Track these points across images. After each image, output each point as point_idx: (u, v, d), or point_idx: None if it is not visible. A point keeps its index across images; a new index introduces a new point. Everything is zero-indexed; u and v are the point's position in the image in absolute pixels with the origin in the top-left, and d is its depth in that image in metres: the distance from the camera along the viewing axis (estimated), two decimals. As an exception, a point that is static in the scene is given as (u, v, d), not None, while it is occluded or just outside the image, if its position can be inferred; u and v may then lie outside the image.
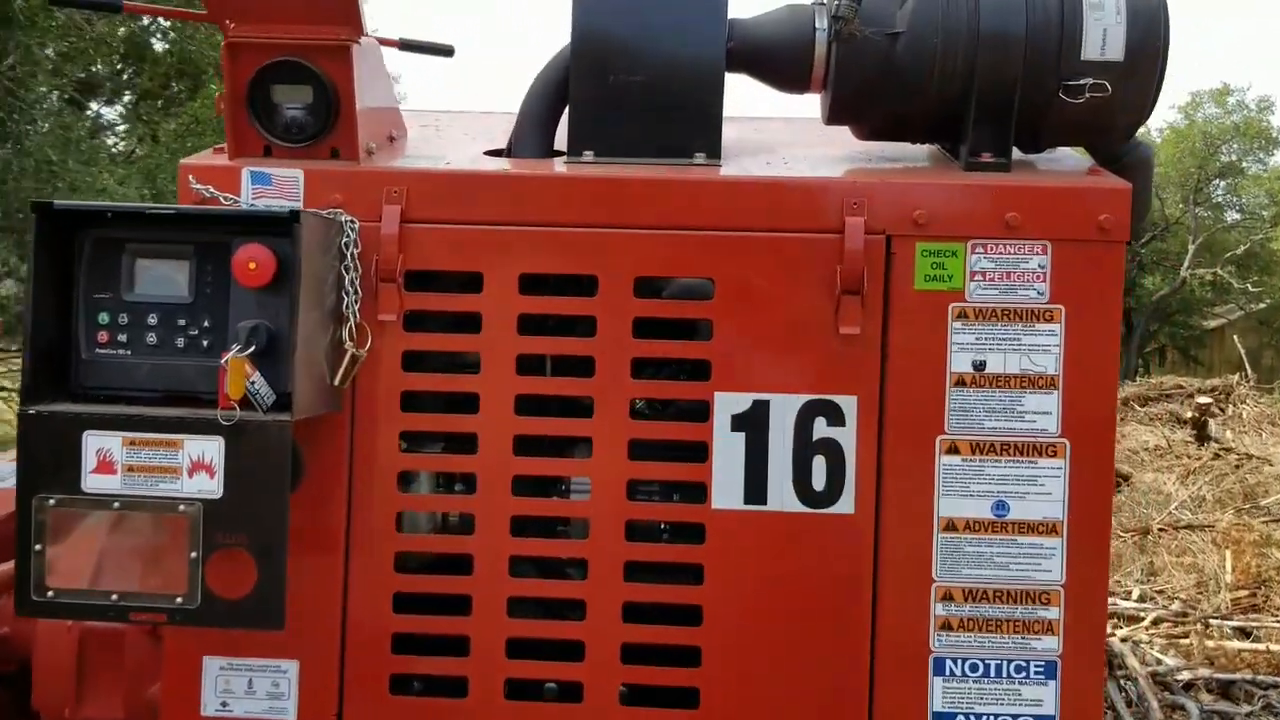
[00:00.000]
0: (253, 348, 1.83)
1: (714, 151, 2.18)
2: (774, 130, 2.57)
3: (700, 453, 2.05)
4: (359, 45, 2.08)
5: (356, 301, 2.04)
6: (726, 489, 2.04)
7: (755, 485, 2.04)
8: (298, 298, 1.84)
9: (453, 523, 2.20)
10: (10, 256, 10.36)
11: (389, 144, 2.30)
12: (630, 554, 2.06)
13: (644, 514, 2.08)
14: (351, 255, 2.03)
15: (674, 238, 2.06)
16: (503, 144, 2.37)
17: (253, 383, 1.82)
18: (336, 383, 2.01)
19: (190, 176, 2.09)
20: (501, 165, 2.17)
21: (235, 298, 1.91)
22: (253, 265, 1.85)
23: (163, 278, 1.94)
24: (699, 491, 2.05)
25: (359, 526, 2.09)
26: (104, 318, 1.93)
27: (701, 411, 2.05)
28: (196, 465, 1.83)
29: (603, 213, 2.07)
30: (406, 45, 3.85)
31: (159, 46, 11.62)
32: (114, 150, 11.72)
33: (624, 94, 2.18)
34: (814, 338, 2.03)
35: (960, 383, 2.03)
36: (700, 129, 2.17)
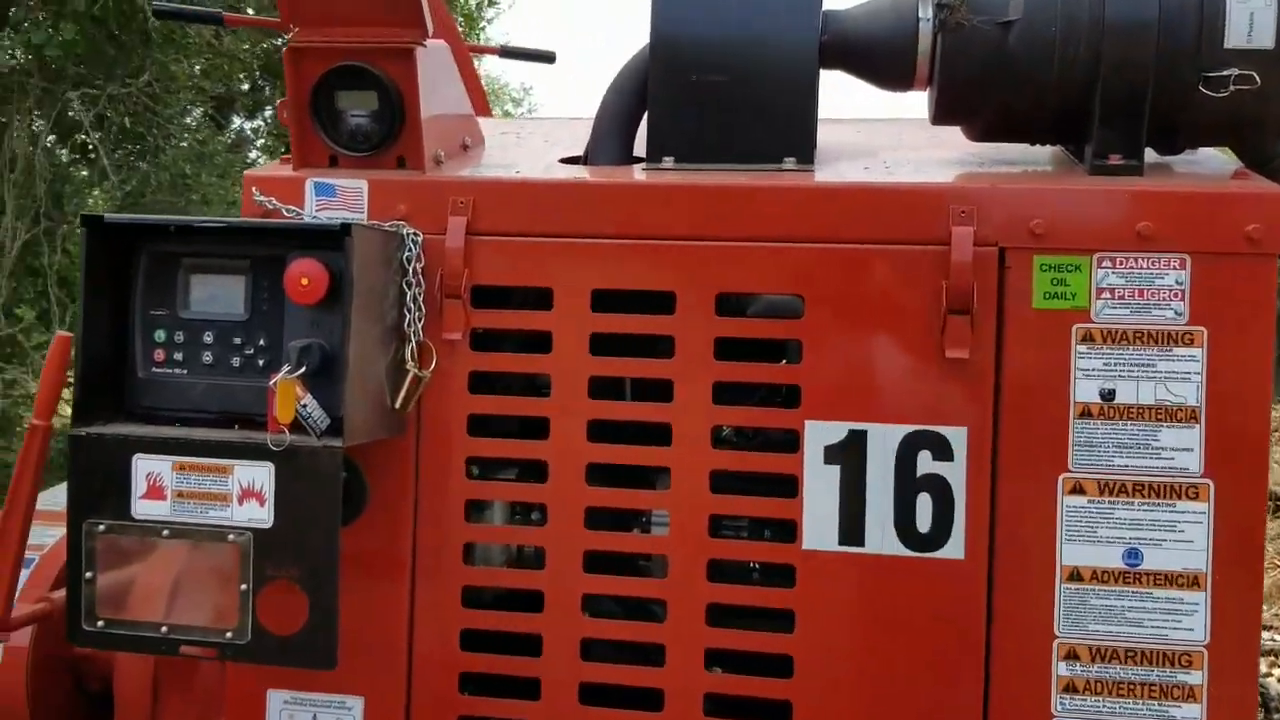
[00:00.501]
0: (304, 368, 1.72)
1: (806, 156, 1.98)
2: (876, 132, 2.35)
3: (790, 487, 1.86)
4: (424, 48, 1.96)
5: (419, 319, 1.92)
6: (819, 528, 1.84)
7: (851, 524, 1.83)
8: (350, 315, 1.72)
9: (526, 555, 2.05)
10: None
11: (461, 152, 2.18)
12: (713, 595, 1.88)
13: (728, 552, 1.90)
14: (414, 270, 1.91)
15: (761, 250, 1.87)
16: (581, 151, 2.22)
17: (304, 405, 1.71)
18: (397, 406, 1.89)
19: (254, 188, 2.00)
20: (575, 173, 2.02)
21: (289, 315, 1.81)
22: (305, 281, 1.74)
23: (219, 294, 1.85)
24: (788, 530, 1.86)
25: (425, 557, 1.97)
26: (160, 335, 1.85)
27: (790, 442, 1.86)
28: (246, 492, 1.73)
29: (683, 223, 1.90)
30: (506, 52, 3.76)
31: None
32: (251, 163, 12.09)
33: (707, 95, 2.00)
34: (917, 362, 1.82)
35: (1086, 414, 1.79)
36: (791, 132, 1.98)
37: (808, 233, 1.86)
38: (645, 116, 2.07)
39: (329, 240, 1.76)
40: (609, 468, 1.94)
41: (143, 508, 1.75)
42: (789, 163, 1.98)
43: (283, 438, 1.70)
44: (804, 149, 1.98)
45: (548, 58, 3.68)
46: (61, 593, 2.26)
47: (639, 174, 1.99)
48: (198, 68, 9.65)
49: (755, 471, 1.89)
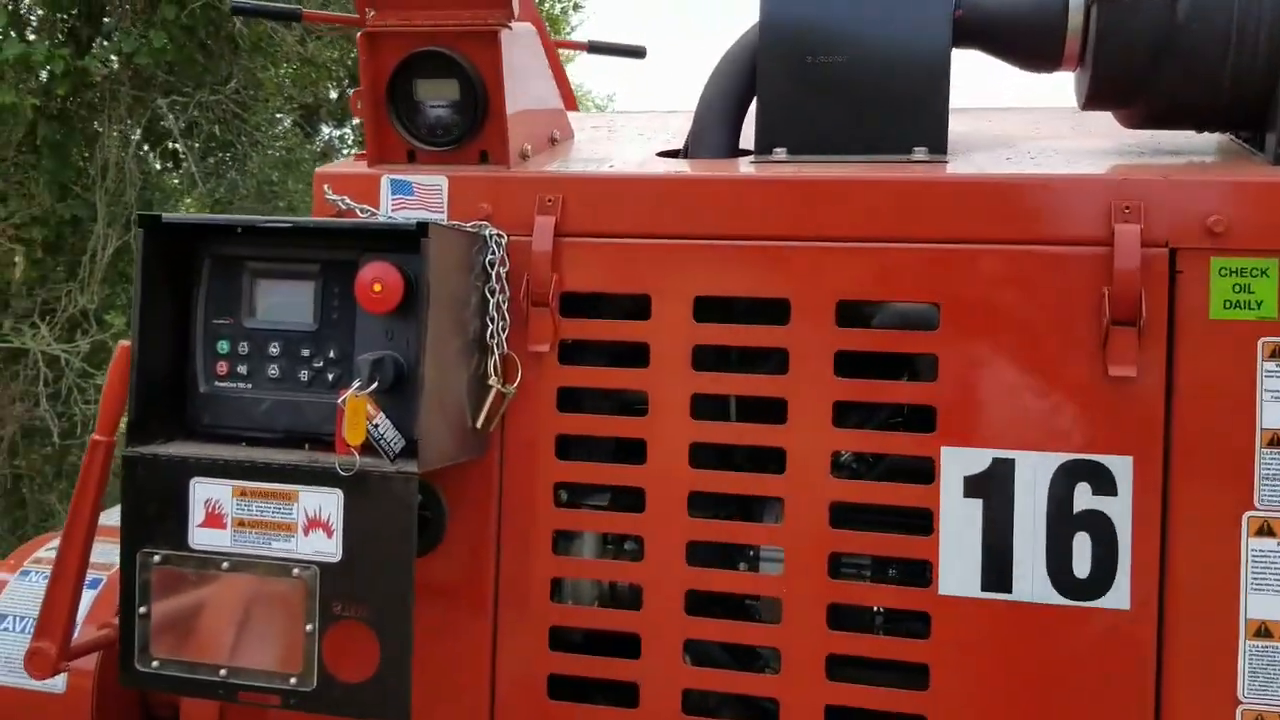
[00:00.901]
0: (375, 384, 1.54)
1: (938, 146, 1.75)
2: (1009, 121, 2.10)
3: (924, 523, 1.62)
4: (509, 31, 1.78)
5: (503, 329, 1.73)
6: (958, 570, 1.60)
7: (996, 567, 1.59)
8: (427, 325, 1.54)
9: (620, 592, 1.85)
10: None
11: (548, 147, 1.99)
12: (833, 645, 1.65)
13: (851, 596, 1.66)
14: (497, 275, 1.73)
15: (889, 252, 1.64)
16: (681, 144, 2.02)
17: (376, 425, 1.53)
18: (479, 425, 1.70)
19: (325, 186, 1.83)
20: (675, 167, 1.81)
21: (361, 325, 1.63)
22: (378, 287, 1.56)
23: (286, 302, 1.68)
24: (922, 572, 1.63)
25: (509, 593, 1.77)
26: (223, 346, 1.69)
27: (925, 471, 1.62)
28: (313, 522, 1.55)
29: (798, 222, 1.68)
30: (595, 48, 3.57)
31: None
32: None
33: (824, 79, 1.78)
34: (1074, 380, 1.57)
35: (1275, 442, 1.53)
36: (920, 119, 1.75)
37: (945, 232, 1.63)
38: (754, 105, 1.85)
39: (404, 242, 1.58)
40: (714, 497, 1.73)
41: (201, 537, 1.59)
42: (919, 153, 1.74)
43: (352, 461, 1.53)
44: (936, 138, 1.75)
45: (638, 53, 3.49)
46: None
47: (747, 168, 1.78)
48: (286, 78, 9.69)
49: (883, 504, 1.66)
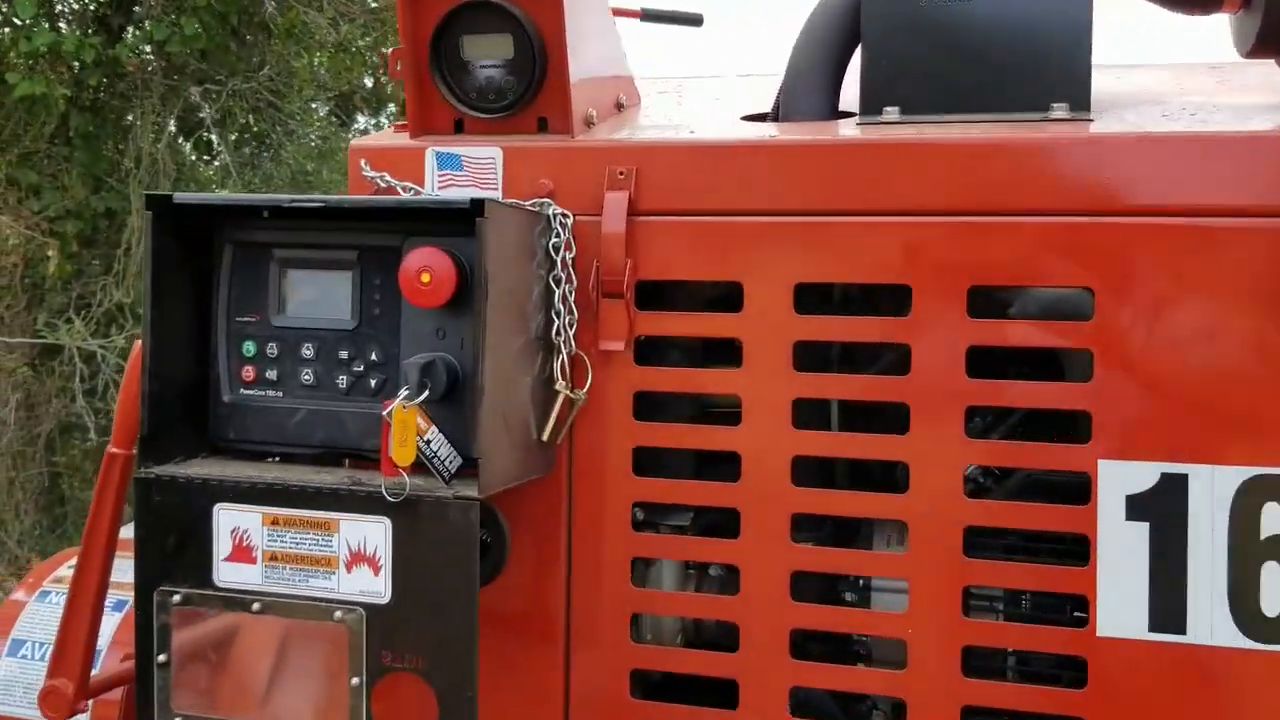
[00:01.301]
0: (426, 393, 1.30)
1: (1081, 102, 1.48)
2: (1139, 78, 1.82)
3: (1078, 551, 1.36)
4: (575, -24, 1.53)
5: (571, 325, 1.48)
6: (1121, 607, 1.34)
7: (1167, 604, 1.33)
8: (486, 321, 1.30)
9: (705, 628, 1.60)
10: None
11: (615, 113, 1.73)
12: (970, 695, 1.39)
13: (989, 637, 1.41)
14: (563, 261, 1.48)
15: (1030, 227, 1.38)
16: (765, 108, 1.76)
17: (428, 442, 1.30)
18: (545, 437, 1.46)
19: (362, 161, 1.59)
20: (767, 132, 1.55)
21: (407, 322, 1.39)
22: (426, 277, 1.32)
23: (320, 295, 1.45)
24: (1076, 609, 1.37)
25: (582, 631, 1.53)
26: (249, 348, 1.46)
27: (1078, 489, 1.36)
28: (356, 556, 1.32)
29: (922, 194, 1.42)
30: (649, 15, 3.30)
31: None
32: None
33: (942, 26, 1.52)
34: (1260, 380, 1.30)
35: None
36: (1060, 71, 1.48)
37: (1096, 202, 1.36)
38: (856, 59, 1.59)
39: (456, 223, 1.34)
40: (821, 520, 1.48)
41: (227, 573, 1.36)
42: (1058, 110, 1.47)
43: (401, 484, 1.29)
44: (1078, 93, 1.47)
45: (694, 20, 3.24)
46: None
47: (854, 131, 1.52)
48: (319, 64, 9.50)
49: (1028, 530, 1.40)
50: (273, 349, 1.45)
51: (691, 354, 1.54)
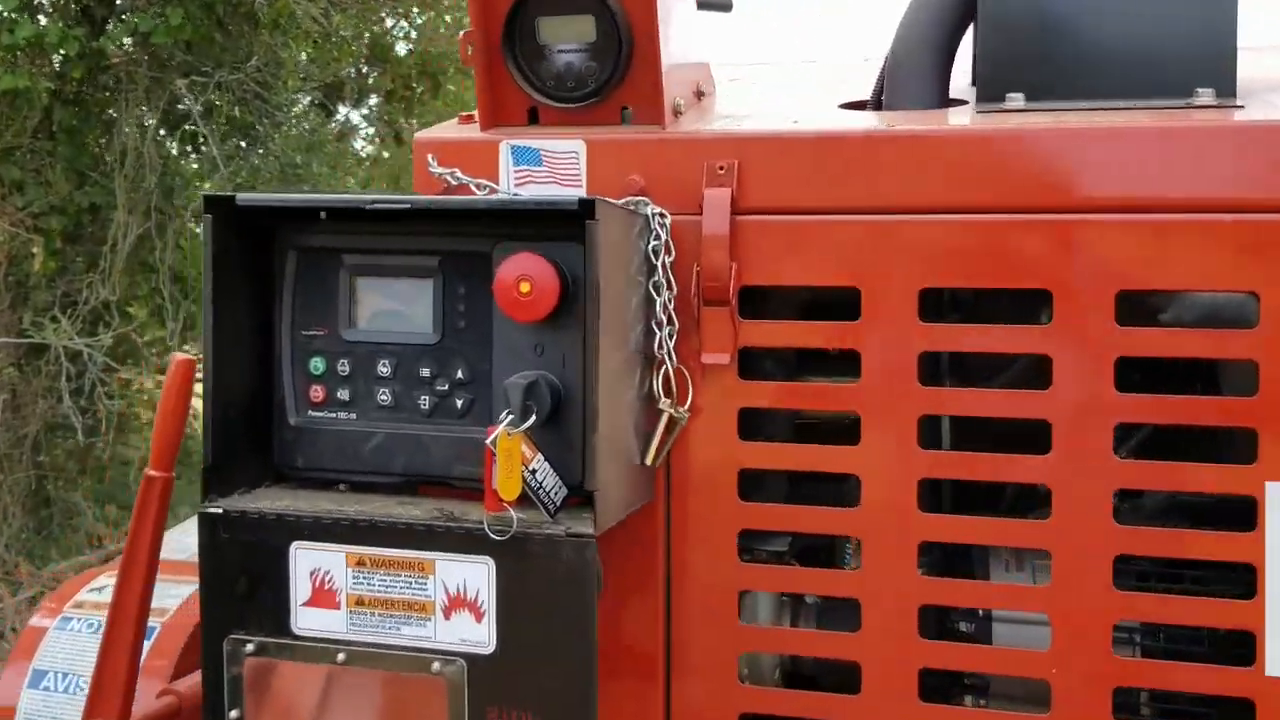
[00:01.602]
0: (533, 418, 1.16)
1: (1226, 87, 1.35)
2: (1267, 62, 1.70)
3: (1243, 582, 1.24)
4: (664, -49, 1.39)
5: (672, 336, 1.35)
6: (1289, 642, 1.22)
7: (1341, 638, 1.21)
8: (598, 336, 1.16)
9: (803, 665, 1.47)
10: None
11: (696, 102, 1.60)
12: (1118, 738, 1.27)
13: (1144, 677, 1.28)
14: (663, 266, 1.34)
15: (1185, 226, 1.25)
16: (857, 96, 1.63)
17: (533, 472, 1.16)
18: (649, 461, 1.33)
19: (430, 156, 1.45)
20: (882, 122, 1.42)
21: (500, 336, 1.25)
22: (525, 288, 1.18)
23: (398, 306, 1.30)
24: (1241, 646, 1.24)
25: (684, 670, 1.40)
26: (317, 365, 1.32)
27: (1243, 513, 1.24)
28: (456, 601, 1.18)
29: (1056, 189, 1.29)
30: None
31: (401, 49, 11.63)
32: (361, 153, 11.82)
33: (1070, 5, 1.39)
34: None
35: None
36: (1203, 53, 1.36)
37: (1264, 197, 1.24)
38: (972, 41, 1.46)
39: (553, 225, 1.20)
40: (949, 550, 1.36)
41: (307, 619, 1.22)
42: (1203, 96, 1.34)
43: (507, 519, 1.15)
44: (1223, 77, 1.35)
45: (724, 6, 3.10)
46: (191, 680, 1.78)
47: (976, 118, 1.39)
48: (304, 54, 9.31)
49: (1185, 559, 1.27)
50: (344, 366, 1.31)
51: (786, 365, 1.40)
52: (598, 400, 1.15)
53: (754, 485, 1.41)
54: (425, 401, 1.29)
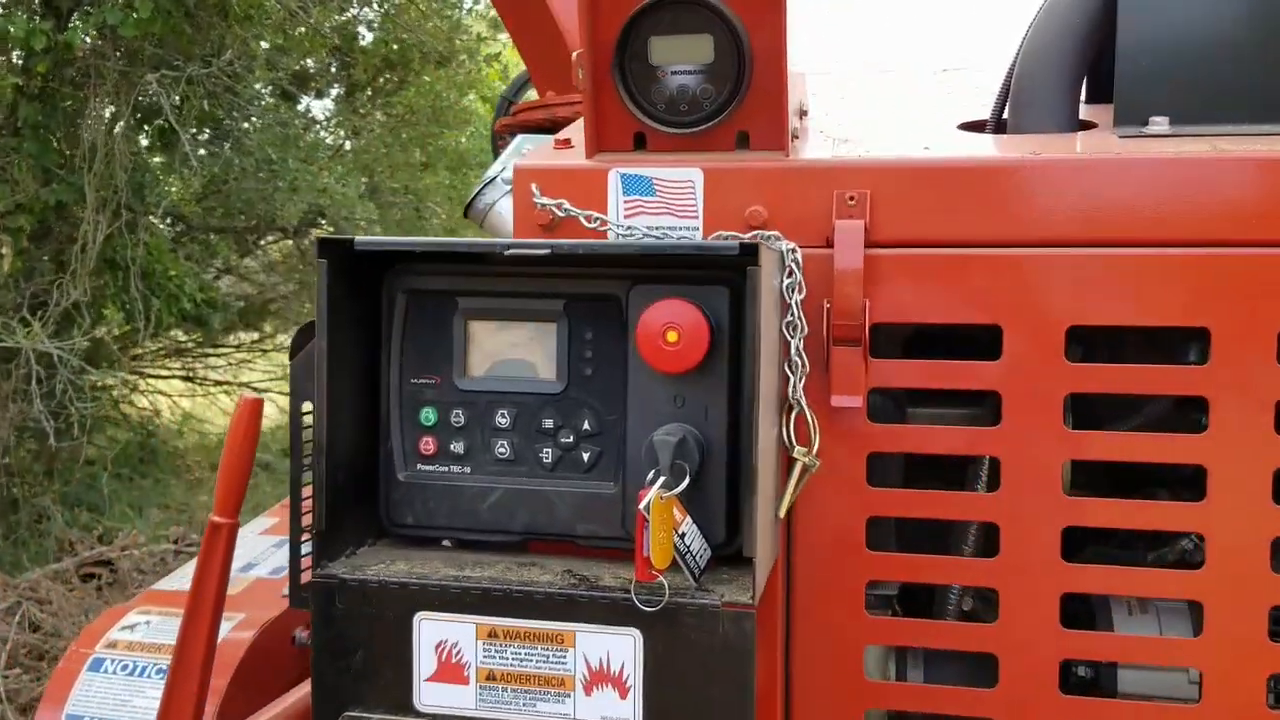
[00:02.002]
0: (686, 480, 1.08)
1: (1383, 109, 1.29)
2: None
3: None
4: (790, -34, 1.30)
5: (802, 378, 1.26)
6: None
7: None
8: (758, 391, 1.07)
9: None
10: (231, 255, 10.30)
11: (801, 123, 1.51)
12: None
13: (1292, 728, 1.23)
14: (796, 305, 1.26)
15: (1354, 261, 1.19)
16: (971, 114, 1.55)
17: (682, 535, 1.07)
18: (783, 513, 1.24)
19: (532, 185, 1.35)
20: (1022, 148, 1.34)
21: (636, 387, 1.16)
22: (673, 336, 1.09)
23: (517, 352, 1.21)
24: None
25: (797, 724, 1.33)
26: (429, 416, 1.22)
27: None
28: (598, 675, 1.09)
29: (1214, 221, 1.22)
30: None
31: (367, 37, 11.42)
32: (326, 144, 11.58)
33: (1217, 22, 1.32)
34: None
35: None
36: (1359, 72, 1.29)
37: None
38: (1112, 60, 1.38)
39: (701, 267, 1.11)
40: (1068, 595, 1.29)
41: (432, 696, 1.12)
42: (1360, 121, 1.28)
43: (659, 589, 1.06)
44: (1379, 100, 1.29)
45: None
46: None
47: (1122, 144, 1.31)
48: (265, 44, 9.10)
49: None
50: (458, 416, 1.21)
51: (945, 410, 1.33)
52: (756, 460, 1.06)
53: (904, 541, 1.35)
54: (548, 454, 1.20)
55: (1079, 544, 1.37)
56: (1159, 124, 1.32)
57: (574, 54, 1.34)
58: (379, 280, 1.21)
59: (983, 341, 1.27)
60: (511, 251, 1.11)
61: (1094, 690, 1.34)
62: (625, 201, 1.36)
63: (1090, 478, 1.36)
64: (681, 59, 1.33)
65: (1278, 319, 1.20)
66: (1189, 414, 1.26)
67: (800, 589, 1.32)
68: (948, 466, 1.37)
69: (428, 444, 1.22)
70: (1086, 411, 1.35)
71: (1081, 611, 1.36)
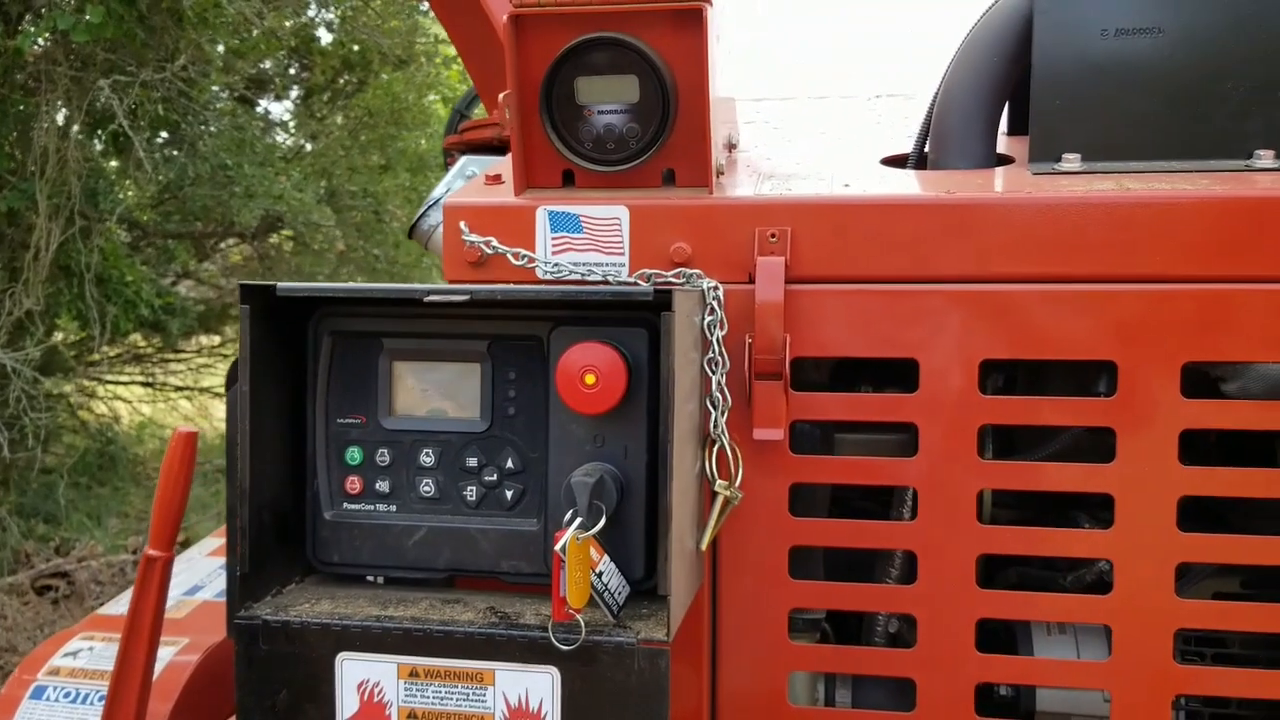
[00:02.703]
0: (602, 521, 1.10)
1: (1286, 148, 1.33)
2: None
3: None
4: (712, 7, 1.32)
5: (724, 413, 1.29)
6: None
7: None
8: (673, 431, 1.10)
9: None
10: (189, 260, 10.22)
11: (729, 155, 1.54)
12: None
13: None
14: (718, 341, 1.28)
15: (1256, 296, 1.23)
16: (895, 146, 1.58)
17: (599, 574, 1.09)
18: (704, 545, 1.27)
19: (462, 223, 1.37)
20: (939, 184, 1.37)
21: (557, 425, 1.18)
22: (591, 379, 1.11)
23: (442, 392, 1.23)
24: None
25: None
26: (354, 455, 1.24)
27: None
28: (517, 714, 1.11)
29: (1130, 257, 1.26)
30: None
31: (326, 39, 11.34)
32: (283, 147, 11.49)
33: (1128, 63, 1.36)
34: None
35: None
36: (1261, 112, 1.33)
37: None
38: (1029, 97, 1.41)
39: (620, 309, 1.13)
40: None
41: (355, 736, 1.14)
42: (1263, 158, 1.32)
43: (575, 628, 1.09)
44: (1280, 138, 1.33)
45: None
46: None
47: (1035, 182, 1.35)
48: (221, 48, 9.02)
49: (1244, 633, 1.26)
50: (383, 456, 1.23)
51: (862, 442, 1.36)
52: (672, 501, 1.08)
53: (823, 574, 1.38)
54: (472, 492, 1.21)
55: (1003, 563, 1.42)
56: (1071, 161, 1.36)
57: (501, 95, 1.36)
58: (304, 322, 1.23)
59: (909, 369, 1.30)
60: (432, 298, 1.13)
61: (1014, 710, 1.38)
62: (553, 239, 1.38)
63: (1018, 499, 1.40)
64: (608, 99, 1.35)
65: (1180, 352, 1.24)
66: (1105, 441, 1.30)
67: (725, 619, 1.35)
68: (879, 491, 1.40)
69: (353, 483, 1.23)
70: (1010, 440, 1.39)
71: (1004, 631, 1.40)
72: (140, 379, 10.34)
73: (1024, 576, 1.43)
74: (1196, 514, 1.28)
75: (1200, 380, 1.27)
